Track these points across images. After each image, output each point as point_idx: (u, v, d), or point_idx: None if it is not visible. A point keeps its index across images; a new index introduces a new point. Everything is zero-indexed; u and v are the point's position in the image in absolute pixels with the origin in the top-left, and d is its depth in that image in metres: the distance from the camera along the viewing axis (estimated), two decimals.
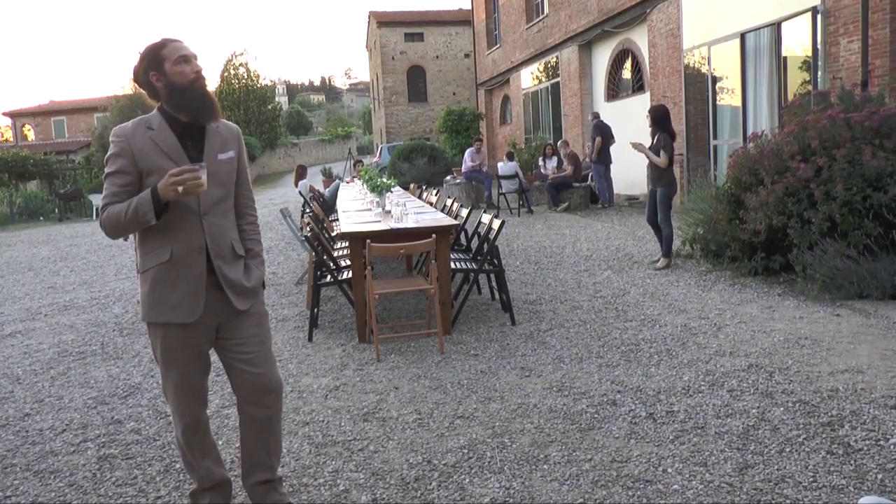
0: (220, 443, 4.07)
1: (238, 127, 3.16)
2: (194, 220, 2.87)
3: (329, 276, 6.45)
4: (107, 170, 2.87)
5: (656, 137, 8.59)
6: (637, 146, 8.58)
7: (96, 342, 6.71)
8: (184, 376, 2.96)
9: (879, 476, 3.20)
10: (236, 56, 47.56)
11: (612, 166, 15.52)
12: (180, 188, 2.68)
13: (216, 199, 2.93)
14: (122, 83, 51.73)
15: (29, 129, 51.79)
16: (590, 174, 16.14)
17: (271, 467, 3.17)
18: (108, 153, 2.88)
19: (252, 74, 47.39)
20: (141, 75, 2.90)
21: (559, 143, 17.47)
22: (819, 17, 10.24)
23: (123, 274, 10.95)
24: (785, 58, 11.26)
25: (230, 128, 3.07)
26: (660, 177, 8.55)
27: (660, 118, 8.64)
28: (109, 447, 4.14)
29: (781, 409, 4.06)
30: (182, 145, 2.87)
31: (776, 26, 11.27)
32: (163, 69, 2.85)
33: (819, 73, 10.32)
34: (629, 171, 16.42)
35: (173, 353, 2.93)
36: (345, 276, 6.42)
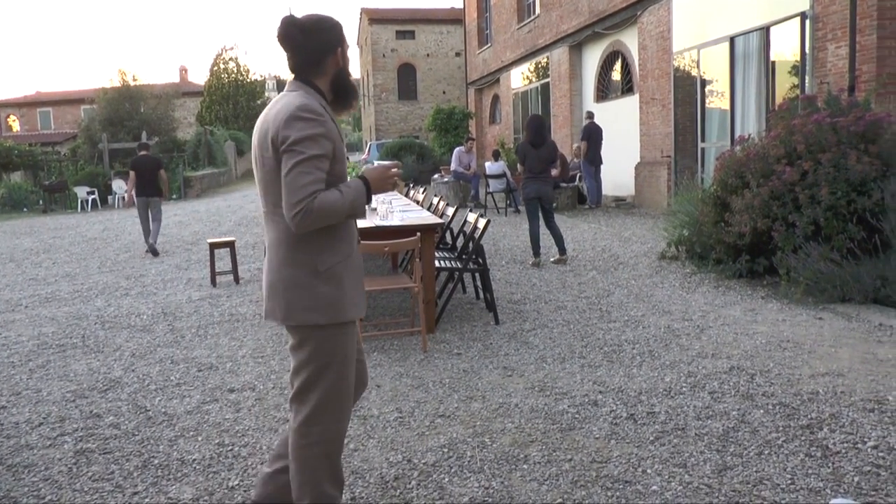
0: (199, 439, 4.05)
1: None
2: None
3: None
4: (312, 151, 2.53)
5: None
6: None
7: (77, 335, 6.65)
8: (353, 375, 2.82)
9: (856, 479, 3.21)
10: (226, 50, 47.25)
11: (601, 167, 15.57)
12: (392, 182, 2.68)
13: None
14: (110, 75, 51.11)
15: (14, 120, 51.36)
16: (577, 175, 16.15)
17: None
18: (311, 131, 2.54)
19: (242, 69, 47.15)
20: (313, 46, 2.68)
21: None
22: (808, 22, 10.28)
23: (107, 267, 10.88)
24: (773, 62, 11.31)
25: None
26: None
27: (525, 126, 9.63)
28: (87, 441, 4.10)
29: (761, 411, 4.07)
30: None
31: (765, 30, 11.31)
32: (343, 51, 2.73)
33: (807, 77, 10.36)
34: (617, 173, 16.47)
35: (352, 350, 2.77)
36: None
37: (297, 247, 2.65)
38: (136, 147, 13.85)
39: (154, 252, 11.85)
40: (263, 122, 2.67)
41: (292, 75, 2.77)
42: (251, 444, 3.95)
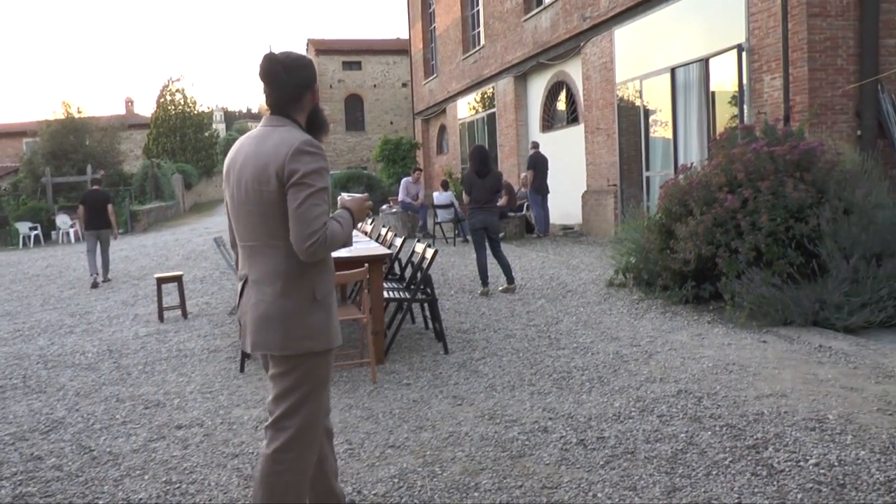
0: (146, 478, 3.96)
1: None
2: None
3: None
4: (319, 184, 2.63)
5: None
6: None
7: (17, 375, 6.46)
8: (327, 402, 2.94)
9: (800, 496, 3.29)
10: (173, 82, 46.75)
11: (548, 196, 15.76)
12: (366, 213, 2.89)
13: None
14: (53, 107, 50.20)
15: None
16: (525, 204, 16.32)
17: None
18: (317, 165, 2.64)
19: (189, 101, 46.69)
20: (294, 83, 2.79)
21: None
22: (744, 54, 10.63)
23: (51, 304, 10.62)
24: (713, 92, 11.65)
25: None
26: None
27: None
28: (27, 485, 3.97)
29: (709, 433, 4.14)
30: None
31: (704, 62, 11.65)
32: (317, 88, 2.87)
33: (745, 107, 10.69)
34: (564, 202, 16.68)
35: (330, 377, 2.89)
36: None
37: (298, 277, 2.73)
38: (88, 181, 14.83)
39: (106, 280, 12.61)
40: (257, 155, 2.71)
41: (269, 110, 2.86)
42: (199, 481, 3.88)
